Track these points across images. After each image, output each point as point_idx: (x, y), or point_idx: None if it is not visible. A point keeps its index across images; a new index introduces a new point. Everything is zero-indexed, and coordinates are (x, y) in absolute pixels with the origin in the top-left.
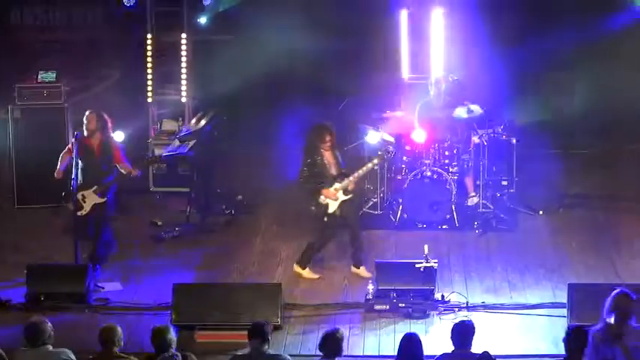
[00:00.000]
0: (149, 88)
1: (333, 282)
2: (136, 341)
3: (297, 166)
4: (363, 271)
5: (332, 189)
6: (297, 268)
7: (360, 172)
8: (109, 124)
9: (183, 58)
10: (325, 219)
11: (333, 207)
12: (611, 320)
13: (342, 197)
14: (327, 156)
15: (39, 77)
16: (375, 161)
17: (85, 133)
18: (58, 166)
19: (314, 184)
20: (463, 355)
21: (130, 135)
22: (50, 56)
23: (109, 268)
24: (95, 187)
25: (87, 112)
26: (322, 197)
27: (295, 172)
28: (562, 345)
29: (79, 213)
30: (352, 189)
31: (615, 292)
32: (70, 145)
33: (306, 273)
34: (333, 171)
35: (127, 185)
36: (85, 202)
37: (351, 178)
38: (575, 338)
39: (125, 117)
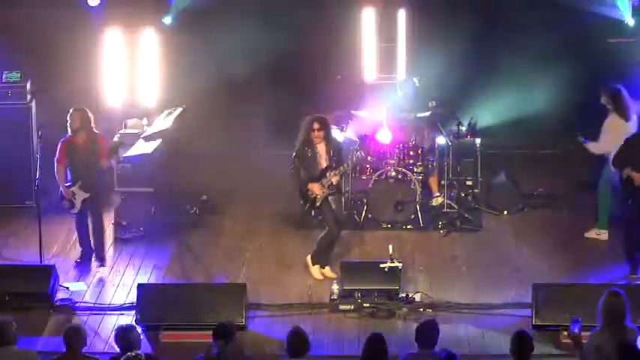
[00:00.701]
0: (113, 90)
1: (298, 282)
2: (101, 341)
3: (263, 165)
4: (328, 271)
5: (318, 184)
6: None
7: (343, 168)
8: (92, 120)
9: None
10: (313, 213)
11: (318, 202)
12: (607, 320)
13: (327, 191)
14: (320, 149)
15: (3, 77)
16: (355, 157)
17: (69, 132)
18: (61, 185)
19: (302, 178)
20: (428, 354)
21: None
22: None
23: (73, 268)
24: (80, 183)
25: (70, 110)
26: (310, 192)
27: (261, 172)
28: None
29: (72, 210)
30: (337, 182)
31: (606, 292)
32: (57, 155)
33: (315, 270)
34: (323, 164)
35: None
36: (75, 199)
37: (335, 171)
38: (519, 343)
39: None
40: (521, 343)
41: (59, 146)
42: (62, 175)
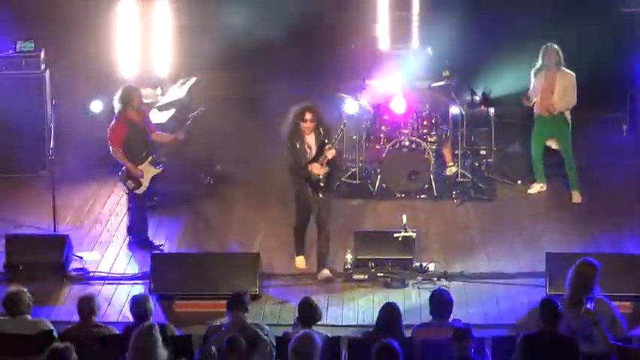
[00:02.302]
0: (128, 58)
1: (312, 252)
2: (115, 311)
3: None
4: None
5: (317, 164)
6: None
7: (335, 137)
8: None
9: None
10: (321, 195)
11: (323, 181)
12: (574, 289)
13: (327, 168)
14: (308, 139)
15: (17, 47)
16: (343, 125)
17: (125, 110)
18: (130, 165)
19: (299, 168)
20: (441, 325)
21: (108, 104)
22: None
23: (88, 238)
24: (151, 158)
25: (127, 88)
26: (311, 175)
27: (275, 141)
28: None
29: (138, 191)
30: (334, 156)
31: (579, 260)
32: (113, 138)
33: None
34: (314, 153)
35: (106, 154)
36: (143, 177)
37: (329, 146)
38: (547, 309)
39: (104, 86)
40: (550, 308)
41: (115, 128)
42: (124, 155)
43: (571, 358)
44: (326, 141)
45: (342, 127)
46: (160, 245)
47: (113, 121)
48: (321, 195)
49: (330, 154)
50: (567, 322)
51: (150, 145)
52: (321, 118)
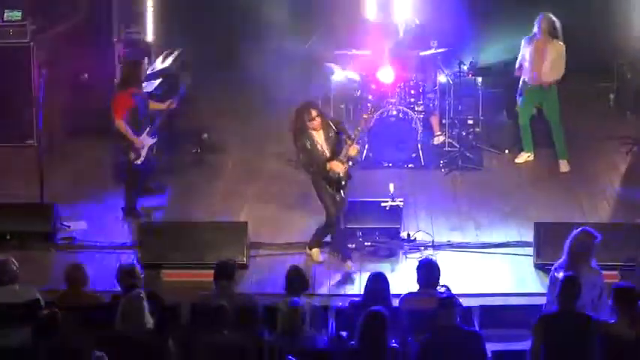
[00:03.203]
0: (114, 27)
1: (299, 221)
2: (102, 280)
3: (265, 104)
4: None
5: (337, 161)
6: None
7: (356, 133)
8: None
9: None
10: (342, 192)
11: (343, 180)
12: (570, 257)
13: (347, 165)
14: (317, 137)
15: (4, 16)
16: (364, 121)
17: (133, 82)
18: (132, 137)
19: (317, 167)
20: (428, 294)
21: (96, 74)
22: None
23: (75, 206)
24: (148, 129)
25: (130, 62)
26: (330, 173)
27: (263, 111)
28: (527, 283)
29: (137, 161)
30: (356, 153)
31: (578, 229)
32: (117, 111)
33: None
34: (327, 152)
35: (92, 124)
36: (142, 148)
37: (350, 142)
38: (566, 286)
39: (91, 56)
40: (570, 287)
41: (119, 100)
42: (126, 127)
43: (591, 335)
44: (344, 137)
45: (362, 122)
46: (146, 215)
47: (117, 95)
48: (342, 193)
49: (354, 150)
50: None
51: (147, 116)
52: (325, 113)
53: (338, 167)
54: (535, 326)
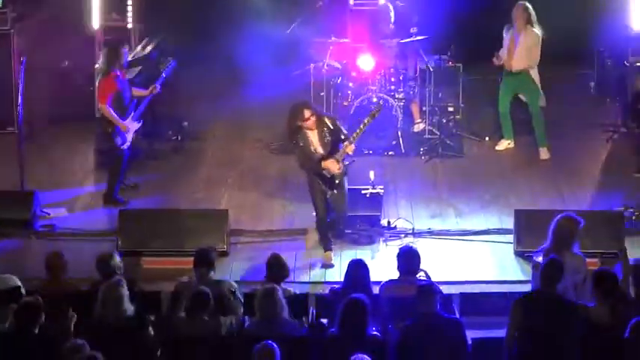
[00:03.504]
0: (95, 14)
1: (280, 208)
2: (82, 267)
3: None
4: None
5: (332, 160)
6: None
7: (355, 134)
8: None
9: None
10: (335, 191)
11: (339, 178)
12: (553, 242)
13: (343, 165)
14: (311, 136)
15: None
16: (367, 120)
17: (117, 66)
18: (118, 121)
19: (311, 165)
20: (408, 282)
21: (77, 62)
22: None
23: (55, 194)
24: (132, 114)
25: (113, 47)
26: (325, 171)
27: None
28: (508, 270)
29: (124, 145)
30: (351, 153)
31: (561, 215)
32: (101, 95)
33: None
34: (321, 151)
35: (72, 111)
36: (128, 132)
37: (348, 142)
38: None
39: (71, 44)
40: (551, 269)
41: (104, 85)
42: (111, 111)
43: (569, 319)
44: (342, 137)
45: (365, 121)
46: (135, 184)
47: (100, 80)
48: (335, 191)
49: (350, 149)
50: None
51: (132, 100)
52: (320, 111)
53: (333, 166)
54: (513, 307)
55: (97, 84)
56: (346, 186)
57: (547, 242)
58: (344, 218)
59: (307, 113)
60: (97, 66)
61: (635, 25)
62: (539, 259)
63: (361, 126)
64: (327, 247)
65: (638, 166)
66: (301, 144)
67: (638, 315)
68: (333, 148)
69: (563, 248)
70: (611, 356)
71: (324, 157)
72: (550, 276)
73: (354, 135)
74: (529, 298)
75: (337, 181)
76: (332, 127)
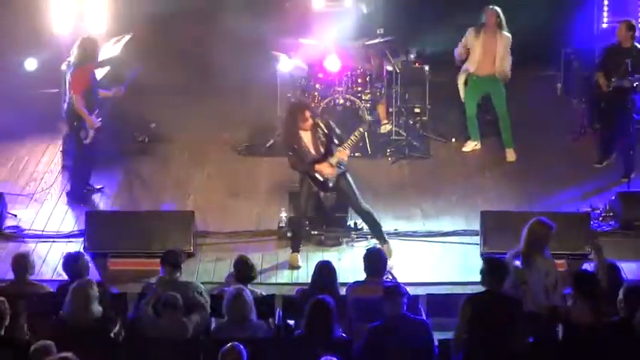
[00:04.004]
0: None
1: (246, 209)
2: (49, 269)
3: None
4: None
5: (326, 164)
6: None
7: (350, 141)
8: None
9: None
10: (328, 194)
11: (331, 182)
12: (525, 246)
13: (338, 171)
14: (305, 138)
15: None
16: (362, 128)
17: (91, 61)
18: (87, 116)
19: (304, 167)
20: (375, 283)
21: (43, 62)
22: None
23: (23, 195)
24: (97, 111)
25: (87, 39)
26: (317, 175)
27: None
28: (474, 272)
29: (87, 141)
30: (345, 159)
31: (534, 219)
32: (77, 86)
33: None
34: (313, 152)
35: (36, 112)
36: (92, 129)
37: (342, 148)
38: (491, 269)
39: (37, 44)
40: (497, 269)
41: (79, 76)
42: (83, 103)
43: (515, 317)
44: (336, 140)
45: (360, 129)
46: (102, 187)
47: (75, 70)
48: (329, 193)
49: (343, 155)
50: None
51: (99, 97)
52: (317, 113)
53: (326, 170)
54: (462, 307)
55: (69, 75)
56: (351, 183)
57: (519, 245)
58: (362, 210)
59: (307, 114)
60: (69, 59)
61: (601, 26)
62: (517, 263)
63: (356, 133)
64: (295, 249)
65: (599, 158)
66: (295, 146)
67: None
68: (326, 150)
69: (534, 252)
70: (594, 356)
71: (318, 160)
72: (498, 276)
73: (349, 142)
74: (477, 299)
75: (331, 184)
76: (326, 130)
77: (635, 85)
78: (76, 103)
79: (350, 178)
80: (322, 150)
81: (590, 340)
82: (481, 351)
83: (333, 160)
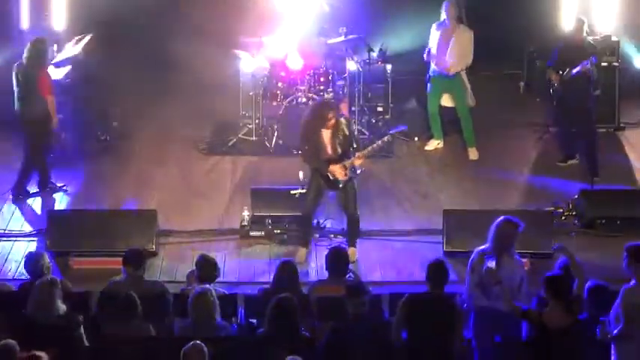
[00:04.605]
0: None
1: (208, 208)
2: (11, 268)
3: (174, 89)
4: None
5: (339, 165)
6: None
7: (370, 149)
8: None
9: None
10: (336, 192)
11: (341, 183)
12: (493, 245)
13: (350, 174)
14: (325, 136)
15: None
16: (386, 139)
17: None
18: (55, 117)
19: (318, 164)
20: (337, 282)
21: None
22: None
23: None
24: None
25: (43, 40)
26: (330, 174)
27: (172, 97)
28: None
29: (50, 142)
30: (361, 165)
31: (502, 218)
32: (50, 86)
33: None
34: (329, 151)
35: None
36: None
37: (360, 154)
38: (435, 272)
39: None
40: (437, 271)
41: (47, 78)
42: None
43: (448, 317)
44: (354, 144)
45: (384, 139)
46: (63, 186)
47: (41, 72)
48: (336, 192)
49: (358, 161)
50: (479, 278)
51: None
52: (340, 113)
53: (338, 173)
54: (400, 307)
55: (36, 78)
56: (356, 188)
57: (487, 245)
58: (353, 217)
59: (332, 114)
60: (23, 61)
61: (564, 25)
62: (493, 264)
63: (379, 142)
64: (303, 243)
65: (563, 157)
66: (313, 140)
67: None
68: (342, 152)
69: (502, 251)
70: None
71: (332, 161)
72: (439, 277)
73: (367, 150)
74: (417, 299)
75: (340, 185)
76: (346, 132)
77: (587, 72)
78: (50, 104)
79: (356, 185)
80: (339, 151)
81: (565, 342)
82: (421, 351)
83: (348, 164)
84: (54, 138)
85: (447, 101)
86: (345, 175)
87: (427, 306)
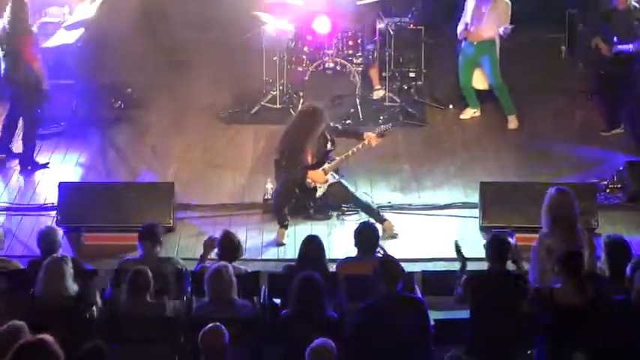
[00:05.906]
0: None
1: (230, 181)
2: (19, 244)
3: (191, 57)
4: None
5: (319, 170)
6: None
7: (351, 152)
8: None
9: None
10: (312, 204)
11: (321, 191)
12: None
13: (331, 179)
14: (309, 143)
15: None
16: (361, 146)
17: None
18: (44, 79)
19: (296, 170)
20: (367, 259)
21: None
22: None
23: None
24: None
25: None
26: (309, 180)
27: (189, 64)
28: (473, 247)
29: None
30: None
31: (551, 190)
32: (36, 49)
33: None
34: (309, 158)
35: None
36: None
37: (342, 157)
38: (495, 246)
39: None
40: (499, 246)
41: (34, 39)
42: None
43: (517, 294)
44: (331, 147)
45: (359, 146)
46: (47, 164)
47: (29, 37)
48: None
49: (335, 166)
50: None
51: None
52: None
53: (319, 178)
54: (463, 287)
55: (23, 42)
56: (346, 187)
57: (545, 226)
58: (359, 204)
59: (323, 124)
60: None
61: None
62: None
63: (354, 149)
64: (281, 223)
65: (606, 126)
66: (297, 145)
67: (611, 292)
68: (320, 157)
69: (566, 224)
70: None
71: (311, 167)
72: (498, 253)
73: (350, 153)
74: (479, 276)
75: (319, 193)
76: (327, 136)
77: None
78: (39, 70)
79: (345, 183)
80: (317, 157)
81: (579, 320)
82: (487, 334)
83: (327, 168)
84: (45, 103)
85: (478, 83)
86: (326, 180)
87: (491, 283)
